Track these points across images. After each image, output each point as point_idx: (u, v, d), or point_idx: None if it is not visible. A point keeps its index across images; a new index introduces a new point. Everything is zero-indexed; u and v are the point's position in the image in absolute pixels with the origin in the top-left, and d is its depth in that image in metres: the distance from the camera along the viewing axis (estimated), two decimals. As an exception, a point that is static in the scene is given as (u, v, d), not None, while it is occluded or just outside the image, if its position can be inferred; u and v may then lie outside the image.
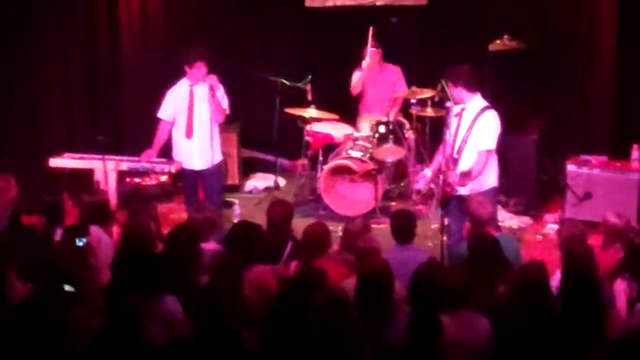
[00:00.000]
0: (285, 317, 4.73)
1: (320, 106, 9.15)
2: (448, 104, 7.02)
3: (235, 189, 9.77)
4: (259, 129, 10.02)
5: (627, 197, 8.40)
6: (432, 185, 8.33)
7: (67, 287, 5.02)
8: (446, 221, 7.02)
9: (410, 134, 9.26)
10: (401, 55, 9.55)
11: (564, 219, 8.14)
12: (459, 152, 6.90)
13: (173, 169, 7.95)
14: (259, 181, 10.01)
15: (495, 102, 7.13)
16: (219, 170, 8.12)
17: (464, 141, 6.89)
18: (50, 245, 6.11)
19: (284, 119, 9.36)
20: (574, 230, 6.14)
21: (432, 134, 8.96)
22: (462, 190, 6.85)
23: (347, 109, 9.55)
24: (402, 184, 9.34)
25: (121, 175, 8.08)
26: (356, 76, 9.38)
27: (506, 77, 9.10)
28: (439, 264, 6.12)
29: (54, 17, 9.34)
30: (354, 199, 8.91)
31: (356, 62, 9.34)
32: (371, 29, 9.12)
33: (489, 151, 6.88)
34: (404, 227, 6.29)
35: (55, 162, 7.97)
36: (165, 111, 7.91)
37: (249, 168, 10.23)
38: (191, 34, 9.65)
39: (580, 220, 6.86)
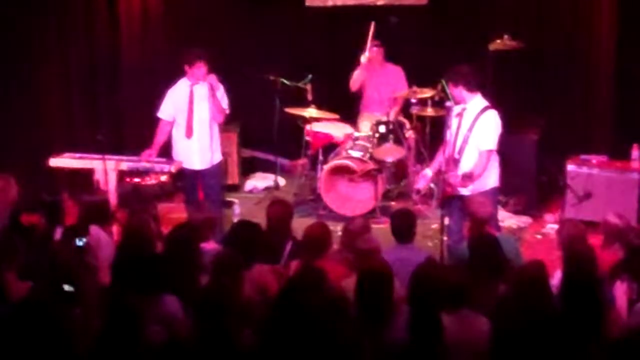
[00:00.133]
0: (285, 317, 4.73)
1: (320, 106, 9.15)
2: (448, 103, 7.02)
3: (235, 188, 9.78)
4: (259, 129, 10.02)
5: (627, 197, 8.40)
6: (432, 185, 8.34)
7: (66, 287, 5.02)
8: (446, 221, 7.02)
9: (410, 134, 9.26)
10: (401, 54, 9.56)
11: (563, 219, 8.14)
12: (460, 152, 6.90)
13: (173, 169, 7.95)
14: (259, 181, 10.01)
15: (495, 102, 7.13)
16: (218, 170, 8.12)
17: (465, 141, 6.89)
18: (50, 245, 6.10)
19: (284, 118, 9.36)
20: (574, 230, 6.14)
21: (432, 133, 8.96)
22: (464, 190, 6.85)
23: (347, 108, 9.55)
24: (402, 184, 9.34)
25: (121, 174, 8.06)
26: (356, 72, 9.38)
27: (506, 77, 9.11)
28: (437, 264, 6.12)
29: (54, 17, 9.34)
30: (354, 199, 8.91)
31: (357, 61, 9.33)
32: (372, 24, 9.12)
33: (490, 151, 6.88)
34: (404, 227, 6.28)
35: (55, 161, 7.96)
36: (165, 111, 7.91)
37: (249, 168, 10.23)
38: (191, 34, 9.64)
39: (580, 220, 6.86)
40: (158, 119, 7.93)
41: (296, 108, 9.19)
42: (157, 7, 9.92)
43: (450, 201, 6.96)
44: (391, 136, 8.87)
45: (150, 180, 9.34)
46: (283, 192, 9.48)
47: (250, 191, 9.85)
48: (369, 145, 8.94)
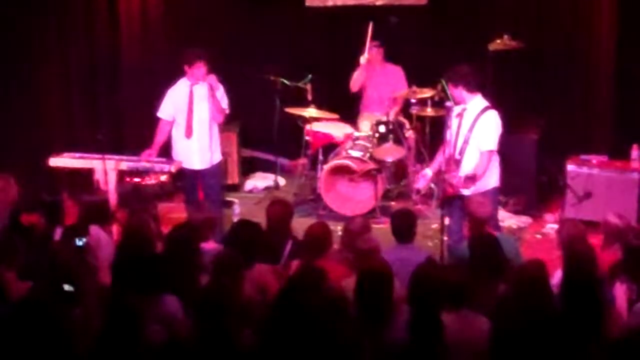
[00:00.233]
0: (285, 317, 4.73)
1: (320, 106, 9.15)
2: (448, 103, 7.02)
3: (235, 188, 9.78)
4: (259, 129, 10.02)
5: (627, 197, 8.40)
6: (432, 185, 8.34)
7: (66, 287, 5.02)
8: (446, 221, 7.02)
9: (410, 134, 9.26)
10: (401, 54, 9.56)
11: (563, 219, 8.14)
12: (461, 153, 6.90)
13: (173, 169, 7.94)
14: (259, 181, 10.01)
15: (495, 102, 7.14)
16: (218, 170, 8.12)
17: (466, 142, 6.89)
18: (50, 245, 6.10)
19: (284, 118, 9.36)
20: (574, 229, 6.14)
21: (432, 133, 8.96)
22: (464, 190, 6.85)
23: (347, 108, 9.55)
24: (402, 184, 9.34)
25: (121, 174, 8.06)
26: (356, 73, 9.38)
27: (506, 77, 9.10)
28: (437, 264, 6.12)
29: (53, 17, 9.34)
30: (353, 199, 8.90)
31: (356, 61, 9.33)
32: (370, 25, 9.12)
33: (490, 151, 6.88)
34: (405, 227, 6.28)
35: (55, 161, 7.95)
36: (165, 111, 7.91)
37: (248, 167, 10.22)
38: (191, 34, 9.64)
39: (580, 220, 6.86)
40: (158, 119, 7.94)
41: (296, 108, 9.19)
42: (157, 7, 9.91)
43: (450, 201, 6.96)
44: (391, 136, 8.87)
45: (150, 180, 9.33)
46: (283, 192, 9.47)
47: (250, 191, 9.85)
48: (369, 145, 8.94)
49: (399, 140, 8.93)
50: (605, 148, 8.95)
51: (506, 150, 7.26)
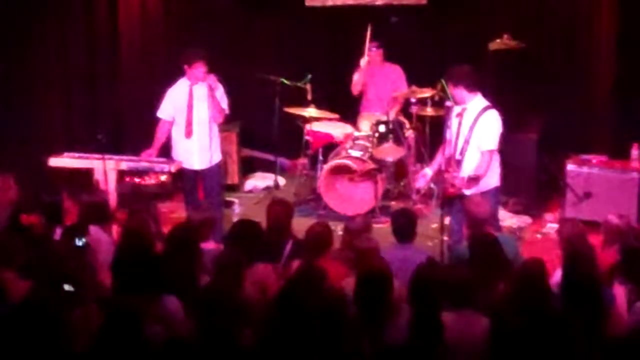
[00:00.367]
0: (284, 317, 4.73)
1: (320, 105, 9.16)
2: (448, 103, 7.01)
3: (235, 188, 9.78)
4: (259, 129, 10.02)
5: (627, 197, 8.40)
6: (432, 185, 8.33)
7: (66, 287, 5.02)
8: (446, 220, 7.02)
9: (410, 133, 9.26)
10: (401, 54, 9.55)
11: (563, 219, 8.14)
12: (462, 153, 6.89)
13: (173, 169, 7.94)
14: (259, 180, 10.01)
15: (495, 101, 7.13)
16: (218, 170, 8.11)
17: (466, 142, 6.89)
18: (49, 245, 6.10)
19: (284, 118, 9.36)
20: (574, 229, 6.14)
21: (432, 133, 8.96)
22: (465, 190, 6.84)
23: (347, 108, 9.56)
24: (402, 184, 9.34)
25: (121, 174, 8.07)
26: (356, 76, 9.39)
27: (506, 76, 9.09)
28: (438, 263, 6.12)
29: (53, 17, 9.34)
30: (353, 199, 8.90)
31: (356, 61, 9.34)
32: (369, 27, 9.13)
33: (491, 151, 6.88)
34: (406, 226, 6.28)
35: (54, 161, 7.95)
36: (164, 110, 7.91)
37: (248, 167, 10.22)
38: (191, 34, 9.64)
39: (580, 220, 6.85)
40: (158, 119, 7.93)
41: (296, 108, 9.20)
42: (156, 7, 9.92)
43: (451, 201, 6.96)
44: (391, 136, 8.87)
45: (150, 180, 9.35)
46: (283, 192, 9.47)
47: (250, 191, 9.85)
48: (368, 144, 8.94)
49: (399, 140, 8.92)
50: (605, 148, 8.94)
51: (506, 150, 7.26)
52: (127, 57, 9.82)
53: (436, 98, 8.94)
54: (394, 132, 8.90)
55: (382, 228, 7.60)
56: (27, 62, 9.14)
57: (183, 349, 4.42)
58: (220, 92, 7.83)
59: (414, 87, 9.13)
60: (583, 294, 5.03)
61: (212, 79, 7.71)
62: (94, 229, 6.27)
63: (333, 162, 8.93)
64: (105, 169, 7.64)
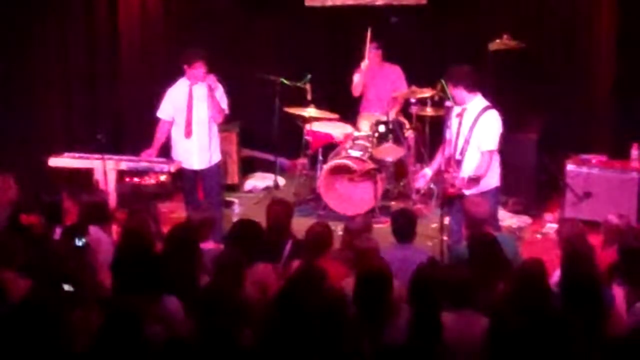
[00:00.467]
0: (284, 317, 4.73)
1: (319, 105, 9.15)
2: (448, 103, 7.01)
3: (235, 188, 9.78)
4: (259, 129, 10.02)
5: (626, 197, 8.40)
6: (432, 185, 8.33)
7: (66, 287, 5.02)
8: (446, 220, 7.02)
9: (410, 134, 9.26)
10: (401, 54, 9.55)
11: (563, 219, 8.14)
12: (462, 153, 6.89)
13: (172, 169, 7.94)
14: (259, 180, 10.01)
15: (494, 101, 7.13)
16: (218, 170, 8.11)
17: (467, 142, 6.89)
18: (49, 245, 6.10)
19: (284, 118, 9.36)
20: (574, 229, 6.13)
21: (432, 133, 8.96)
22: (465, 190, 6.84)
23: (346, 108, 9.56)
24: (401, 184, 9.34)
25: (121, 174, 8.07)
26: (356, 77, 9.39)
27: (506, 76, 9.10)
28: (439, 263, 6.12)
29: (53, 17, 9.33)
30: (353, 199, 8.90)
31: (356, 61, 9.34)
32: (369, 30, 9.13)
33: (491, 151, 6.88)
34: (406, 226, 6.28)
35: (54, 161, 7.95)
36: (164, 110, 7.91)
37: (248, 167, 10.22)
38: (191, 34, 9.64)
39: (579, 220, 6.85)
40: (157, 119, 7.93)
41: (296, 108, 9.20)
42: (156, 7, 9.91)
43: (451, 201, 6.95)
44: (391, 136, 8.87)
45: (150, 180, 9.35)
46: (283, 192, 9.47)
47: (250, 191, 9.85)
48: (368, 144, 8.94)
49: (398, 140, 8.93)
50: (605, 148, 8.94)
51: (506, 150, 7.27)
52: (127, 57, 9.82)
53: (436, 98, 8.94)
54: (394, 132, 8.90)
55: (382, 228, 7.60)
56: (27, 61, 9.13)
57: (183, 349, 4.42)
58: (220, 92, 7.83)
59: (413, 87, 9.13)
60: (582, 294, 5.02)
61: (212, 79, 7.71)
62: (93, 229, 6.27)
63: (333, 162, 8.93)
64: (105, 169, 7.64)
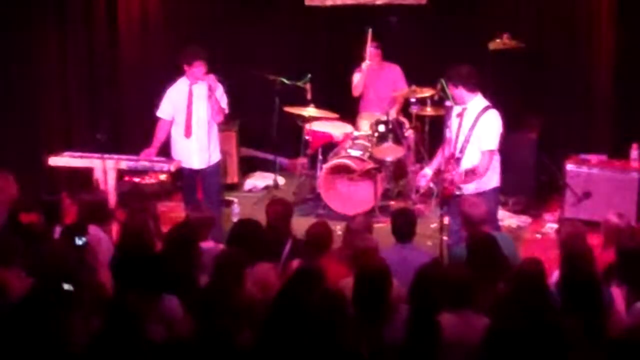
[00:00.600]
0: (283, 317, 4.73)
1: (319, 105, 9.15)
2: (448, 103, 7.01)
3: (235, 187, 9.78)
4: (259, 128, 10.01)
5: (626, 197, 8.41)
6: (432, 185, 8.33)
7: (66, 286, 5.02)
8: (446, 220, 7.02)
9: (409, 133, 9.27)
10: (401, 54, 9.56)
11: (563, 219, 8.14)
12: (462, 151, 6.88)
13: (172, 168, 7.94)
14: (259, 180, 10.01)
15: (494, 101, 7.13)
16: (217, 169, 8.11)
17: (467, 141, 6.88)
18: (49, 244, 6.09)
19: (284, 117, 9.36)
20: (574, 229, 6.13)
21: (432, 133, 8.96)
22: (464, 190, 6.84)
23: (346, 107, 9.56)
24: (401, 183, 9.34)
25: (120, 174, 8.06)
26: (356, 78, 9.40)
27: (506, 76, 9.10)
28: (441, 264, 6.12)
29: (53, 17, 9.33)
30: (353, 198, 8.90)
31: (356, 61, 9.35)
32: (370, 31, 9.13)
33: (492, 151, 6.87)
34: (406, 226, 6.28)
35: (54, 160, 7.94)
36: (164, 110, 7.91)
37: (248, 167, 10.22)
38: (191, 33, 9.63)
39: (579, 220, 6.85)
40: (157, 118, 7.93)
41: (295, 107, 9.20)
42: (156, 6, 9.91)
43: (450, 201, 6.95)
44: (390, 135, 8.88)
45: (150, 179, 9.38)
46: (282, 192, 9.47)
47: (250, 190, 9.85)
48: (368, 144, 8.94)
49: (398, 140, 8.93)
50: (605, 147, 8.95)
51: (506, 149, 7.26)
52: (127, 56, 9.81)
53: (436, 98, 8.93)
54: (394, 132, 8.90)
55: (382, 228, 7.60)
56: (27, 61, 9.12)
57: (183, 349, 4.42)
58: (220, 92, 7.83)
59: (413, 87, 9.13)
60: (581, 294, 5.02)
61: (212, 78, 7.70)
62: (93, 229, 6.26)
63: (332, 161, 8.93)
64: (105, 168, 7.63)
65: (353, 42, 9.33)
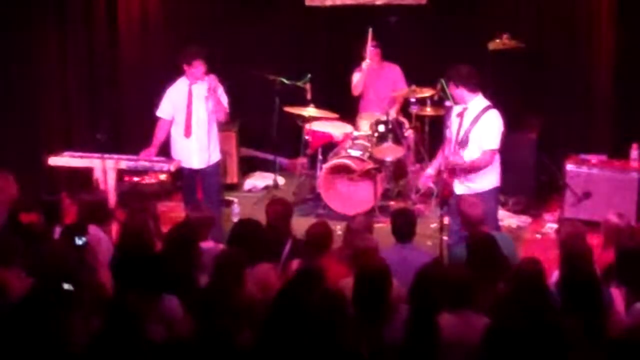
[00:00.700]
0: (283, 317, 4.73)
1: (319, 105, 9.15)
2: (448, 103, 7.01)
3: (235, 187, 9.78)
4: (259, 128, 10.01)
5: (626, 197, 8.41)
6: (432, 185, 8.34)
7: (66, 286, 5.02)
8: (445, 220, 7.02)
9: (409, 133, 9.27)
10: (401, 54, 9.56)
11: (563, 219, 8.14)
12: (463, 144, 6.87)
13: (172, 168, 7.94)
14: (258, 180, 10.01)
15: (494, 101, 7.13)
16: (217, 169, 8.12)
17: (467, 140, 6.88)
18: (49, 244, 6.09)
19: (284, 117, 9.36)
20: (573, 229, 6.13)
21: (432, 133, 8.97)
22: (464, 190, 6.84)
23: (346, 107, 9.56)
24: (401, 183, 9.34)
25: (120, 173, 8.06)
26: (356, 77, 9.39)
27: (506, 76, 9.10)
28: (442, 264, 6.12)
29: (53, 17, 9.33)
30: (353, 198, 8.90)
31: (356, 61, 9.34)
32: (370, 30, 9.13)
33: (493, 151, 6.88)
34: (406, 226, 6.28)
35: (54, 160, 7.94)
36: (164, 110, 7.91)
37: (248, 167, 10.22)
38: (191, 33, 9.63)
39: (579, 220, 6.85)
40: (157, 118, 7.94)
41: (295, 107, 9.20)
42: (156, 6, 9.91)
43: (450, 201, 6.95)
44: (390, 135, 8.88)
45: (150, 179, 9.38)
46: (282, 191, 9.47)
47: (250, 190, 9.85)
48: (368, 144, 8.95)
49: (398, 140, 8.93)
50: (605, 147, 8.95)
51: (506, 149, 7.27)
52: (126, 56, 9.81)
53: (436, 98, 8.93)
54: (394, 132, 8.90)
55: (382, 228, 7.60)
56: (26, 61, 9.13)
57: (183, 349, 4.42)
58: (220, 92, 7.83)
59: (413, 87, 9.13)
60: (581, 294, 5.02)
61: (212, 78, 7.71)
62: (93, 228, 6.26)
63: (332, 161, 8.93)
64: (105, 168, 7.63)
65: (353, 42, 9.33)
